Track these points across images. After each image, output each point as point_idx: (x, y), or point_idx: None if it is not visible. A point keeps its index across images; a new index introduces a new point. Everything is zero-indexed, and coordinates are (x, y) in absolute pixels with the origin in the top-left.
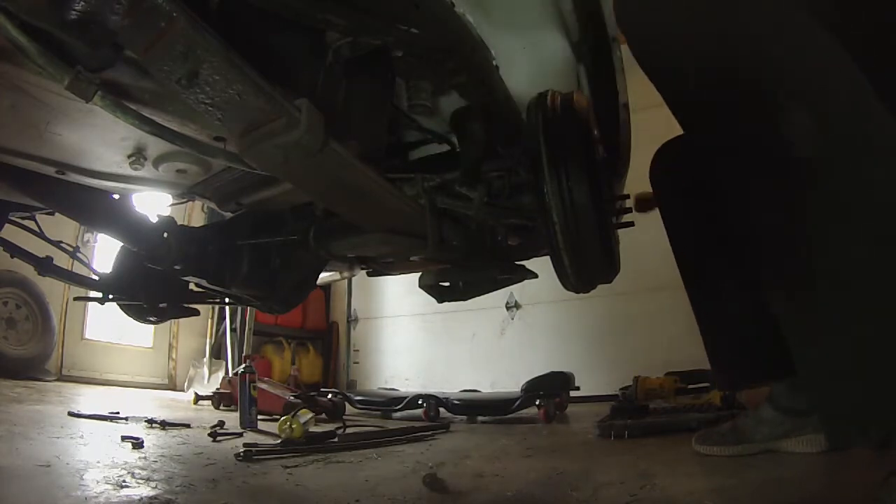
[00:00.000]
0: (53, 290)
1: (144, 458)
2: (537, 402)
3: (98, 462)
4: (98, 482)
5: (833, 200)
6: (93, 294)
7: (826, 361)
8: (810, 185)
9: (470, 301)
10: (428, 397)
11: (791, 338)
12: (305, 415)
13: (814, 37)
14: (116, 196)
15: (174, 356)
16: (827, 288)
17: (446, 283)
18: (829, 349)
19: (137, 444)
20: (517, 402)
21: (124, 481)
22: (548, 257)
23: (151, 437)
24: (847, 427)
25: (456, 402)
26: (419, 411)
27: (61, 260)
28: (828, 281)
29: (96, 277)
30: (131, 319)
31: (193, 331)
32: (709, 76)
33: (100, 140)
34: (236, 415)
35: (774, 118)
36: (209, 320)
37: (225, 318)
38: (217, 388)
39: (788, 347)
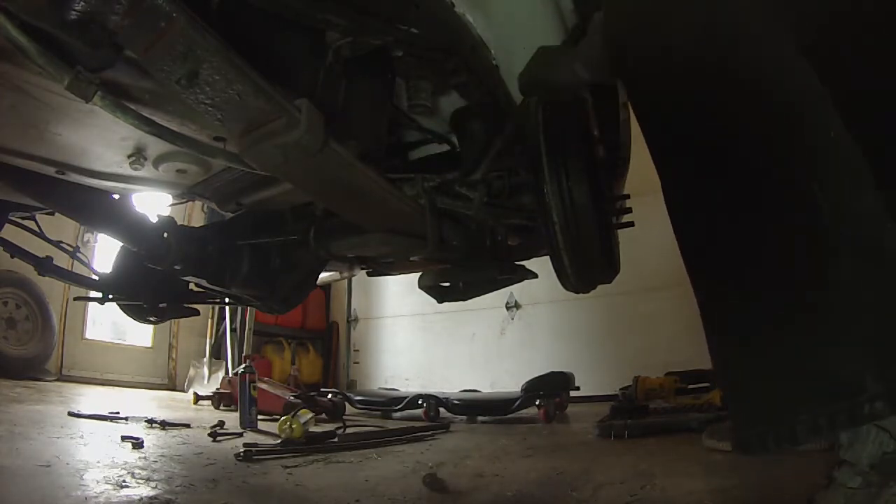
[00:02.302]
0: (53, 290)
1: (144, 458)
2: (537, 402)
3: (98, 462)
4: (98, 482)
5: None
6: (93, 294)
7: (739, 362)
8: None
9: (470, 301)
10: (428, 397)
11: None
12: (305, 415)
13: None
14: (116, 196)
15: (174, 356)
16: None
17: (446, 284)
18: (743, 350)
19: (137, 444)
20: (517, 402)
21: (124, 481)
22: (548, 257)
23: (151, 437)
24: (748, 437)
25: (456, 402)
26: (419, 411)
27: (61, 260)
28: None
29: (96, 277)
30: (131, 319)
31: (193, 331)
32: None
33: (100, 140)
34: (236, 415)
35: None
36: (209, 320)
37: (225, 318)
38: (217, 388)
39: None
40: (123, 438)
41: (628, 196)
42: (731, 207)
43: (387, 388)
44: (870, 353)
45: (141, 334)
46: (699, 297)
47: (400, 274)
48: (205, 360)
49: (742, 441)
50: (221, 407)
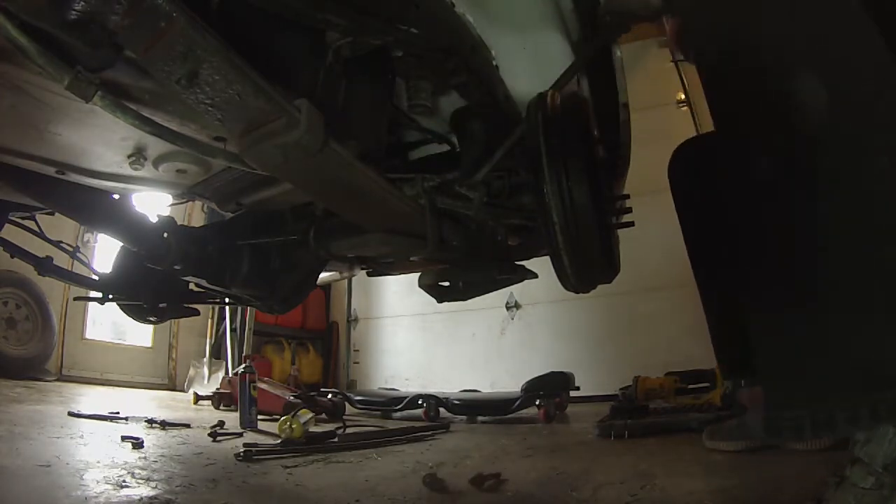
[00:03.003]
0: (53, 290)
1: (144, 458)
2: (537, 402)
3: (98, 462)
4: (98, 482)
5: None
6: (93, 294)
7: (769, 354)
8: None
9: (470, 301)
10: (428, 397)
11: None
12: (305, 415)
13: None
14: (116, 196)
15: (174, 356)
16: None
17: (446, 283)
18: (771, 344)
19: (137, 444)
20: (517, 402)
21: (124, 481)
22: (548, 257)
23: (151, 437)
24: (782, 420)
25: (456, 402)
26: (419, 411)
27: (61, 260)
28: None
29: (96, 277)
30: (131, 319)
31: (193, 331)
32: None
33: (100, 140)
34: (236, 415)
35: (787, 89)
36: (209, 320)
37: (225, 318)
38: (217, 388)
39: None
40: (123, 438)
41: (628, 196)
42: (784, 184)
43: (387, 388)
44: None
45: (141, 334)
46: (731, 277)
47: (400, 274)
48: (205, 360)
49: (773, 425)
50: (221, 407)
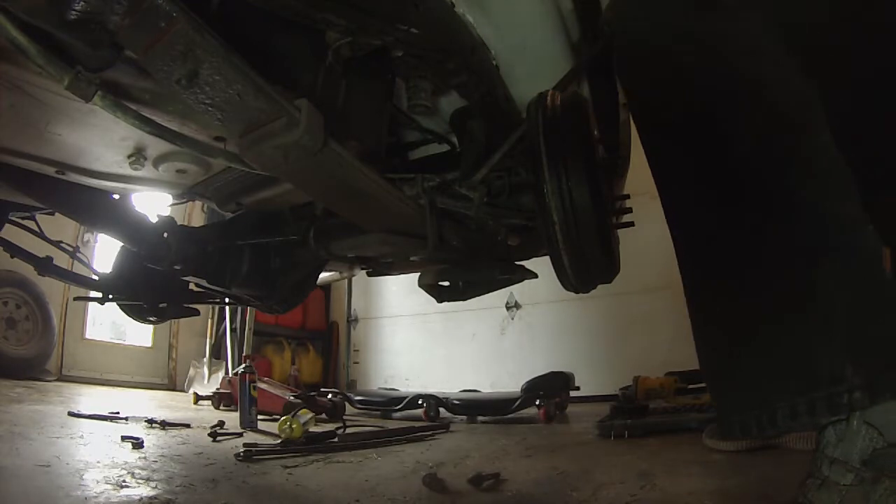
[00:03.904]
0: (53, 290)
1: (144, 458)
2: (537, 402)
3: (98, 462)
4: (98, 482)
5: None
6: (93, 294)
7: (724, 354)
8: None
9: (470, 301)
10: (428, 397)
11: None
12: (305, 415)
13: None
14: (116, 196)
15: (174, 356)
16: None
17: (446, 283)
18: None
19: (137, 444)
20: (517, 403)
21: (124, 481)
22: (548, 257)
23: (151, 437)
24: (732, 422)
25: (456, 402)
26: (419, 411)
27: (61, 260)
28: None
29: (96, 277)
30: (131, 319)
31: (193, 331)
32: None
33: (100, 140)
34: (236, 415)
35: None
36: (209, 320)
37: (225, 318)
38: (217, 388)
39: None
40: (123, 438)
41: (628, 196)
42: (723, 211)
43: (387, 388)
44: (850, 347)
45: (141, 334)
46: (688, 293)
47: (400, 274)
48: (205, 360)
49: (726, 426)
50: (221, 407)
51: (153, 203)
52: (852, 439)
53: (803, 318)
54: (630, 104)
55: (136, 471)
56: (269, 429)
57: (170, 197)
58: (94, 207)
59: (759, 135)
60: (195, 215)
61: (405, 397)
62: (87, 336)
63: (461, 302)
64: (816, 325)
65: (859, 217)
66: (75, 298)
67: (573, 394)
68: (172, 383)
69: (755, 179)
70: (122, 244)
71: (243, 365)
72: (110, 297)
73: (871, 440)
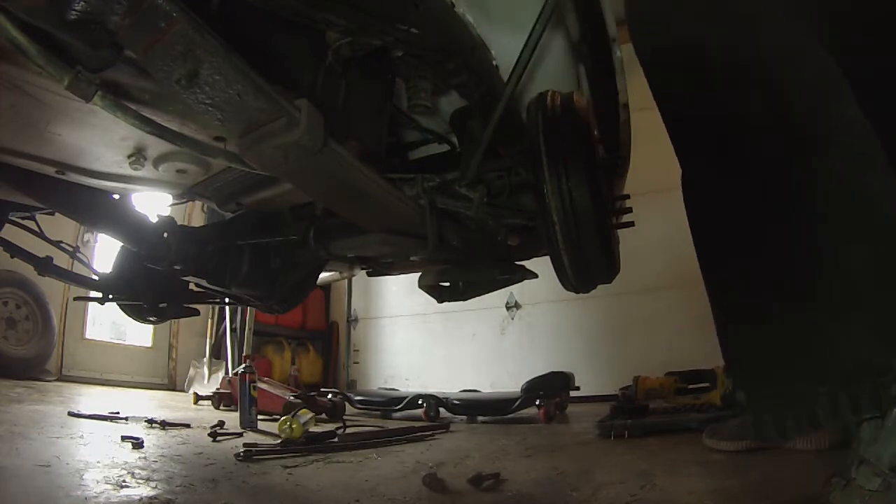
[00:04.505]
0: (53, 290)
1: (144, 458)
2: (537, 402)
3: (98, 462)
4: (98, 482)
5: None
6: (93, 294)
7: (753, 349)
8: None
9: (470, 301)
10: (428, 397)
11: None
12: (305, 415)
13: (790, 27)
14: (116, 196)
15: (174, 356)
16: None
17: (446, 284)
18: (756, 341)
19: (137, 444)
20: (517, 402)
21: (124, 481)
22: (548, 257)
23: (151, 437)
24: (775, 419)
25: (456, 402)
26: (419, 411)
27: (61, 260)
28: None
29: (96, 277)
30: (131, 319)
31: (193, 331)
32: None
33: (100, 140)
34: (236, 415)
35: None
36: (209, 320)
37: (225, 318)
38: (217, 388)
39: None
40: (123, 438)
41: (628, 196)
42: (747, 196)
43: (387, 388)
44: (890, 335)
45: (141, 334)
46: (709, 288)
47: (400, 274)
48: (205, 360)
49: (759, 429)
50: (221, 407)
51: (153, 203)
52: (886, 440)
53: (835, 305)
54: (651, 85)
55: (136, 471)
56: (269, 429)
57: (170, 197)
58: (94, 207)
59: (779, 115)
60: (195, 215)
61: (405, 397)
62: (87, 336)
63: (461, 302)
64: (852, 309)
65: (885, 189)
66: (75, 298)
67: (573, 394)
68: (172, 383)
69: (776, 162)
70: (122, 244)
71: (243, 365)
72: (110, 297)
73: None
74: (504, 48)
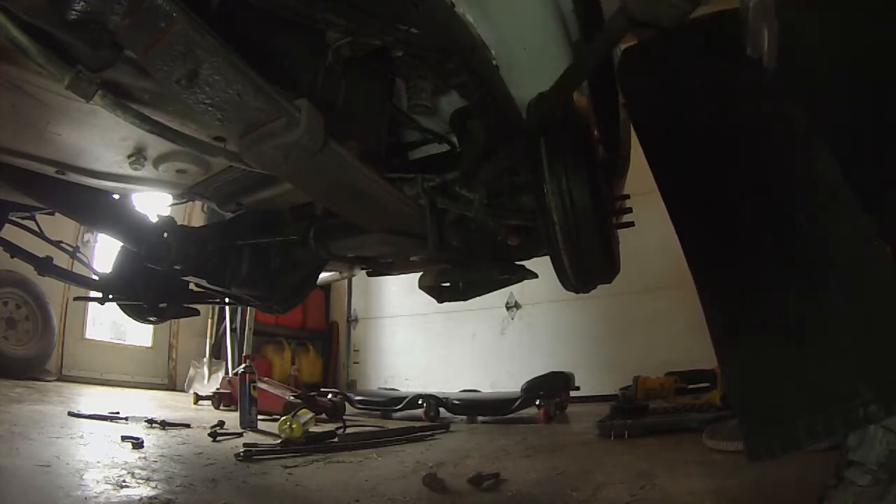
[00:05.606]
0: (53, 290)
1: (144, 458)
2: (537, 402)
3: (98, 462)
4: (98, 482)
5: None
6: (93, 294)
7: (748, 365)
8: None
9: (470, 301)
10: (428, 397)
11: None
12: (305, 415)
13: None
14: (116, 196)
15: (174, 356)
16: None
17: (446, 284)
18: (752, 353)
19: (137, 444)
20: (517, 402)
21: (124, 481)
22: (548, 257)
23: (151, 437)
24: (758, 445)
25: (456, 402)
26: (419, 411)
27: (61, 260)
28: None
29: (96, 277)
30: (131, 319)
31: (193, 331)
32: None
33: (100, 140)
34: (236, 415)
35: None
36: (209, 320)
37: (225, 318)
38: (217, 388)
39: None
40: (123, 438)
41: (628, 196)
42: (736, 237)
43: (387, 388)
44: (861, 362)
45: (141, 334)
46: (710, 326)
47: (400, 274)
48: (205, 360)
49: (752, 449)
50: (221, 407)
51: (153, 203)
52: (870, 444)
53: (813, 338)
54: (641, 141)
55: (136, 471)
56: (269, 429)
57: (170, 197)
58: (94, 207)
59: (758, 163)
60: (195, 215)
61: (405, 397)
62: (87, 336)
63: (461, 302)
64: (827, 342)
65: (864, 233)
66: (75, 298)
67: (573, 394)
68: (172, 383)
69: (757, 207)
70: (122, 244)
71: (243, 365)
72: (110, 297)
73: (889, 443)
74: (504, 48)
